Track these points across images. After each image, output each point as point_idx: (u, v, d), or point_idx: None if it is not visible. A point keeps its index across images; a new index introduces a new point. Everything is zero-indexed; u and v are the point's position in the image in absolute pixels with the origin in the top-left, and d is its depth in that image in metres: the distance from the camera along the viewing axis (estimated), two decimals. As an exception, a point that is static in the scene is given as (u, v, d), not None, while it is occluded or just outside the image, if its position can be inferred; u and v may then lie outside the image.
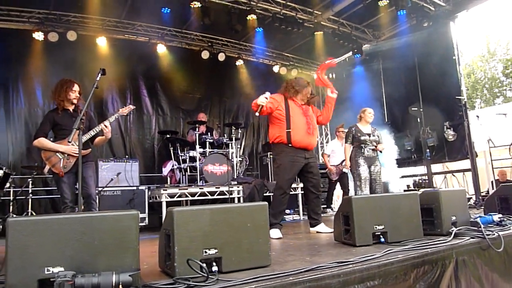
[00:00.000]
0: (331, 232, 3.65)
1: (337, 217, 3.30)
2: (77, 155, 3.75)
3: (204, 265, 2.09)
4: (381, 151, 5.62)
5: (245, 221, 2.32)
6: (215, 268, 2.16)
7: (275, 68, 10.02)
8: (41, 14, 7.15)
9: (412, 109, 7.79)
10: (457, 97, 7.35)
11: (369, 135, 5.54)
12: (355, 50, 8.70)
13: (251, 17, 7.39)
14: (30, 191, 6.38)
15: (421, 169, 8.31)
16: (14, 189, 6.44)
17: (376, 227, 3.03)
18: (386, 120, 8.91)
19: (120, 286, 1.77)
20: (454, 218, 3.38)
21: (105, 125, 4.03)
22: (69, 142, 3.81)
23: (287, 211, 7.85)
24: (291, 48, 9.92)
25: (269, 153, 8.62)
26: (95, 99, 7.86)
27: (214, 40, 9.08)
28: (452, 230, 3.15)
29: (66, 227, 1.88)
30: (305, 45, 9.36)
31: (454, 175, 8.20)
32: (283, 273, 2.04)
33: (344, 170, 6.78)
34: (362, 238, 2.98)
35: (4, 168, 4.44)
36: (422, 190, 3.96)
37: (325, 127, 10.86)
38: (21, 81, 7.04)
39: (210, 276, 1.98)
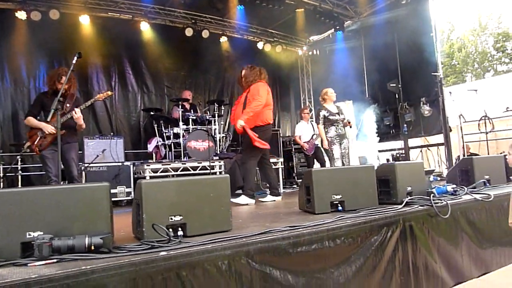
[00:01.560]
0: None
1: (300, 188, 3.60)
2: (54, 132, 4.01)
3: (170, 230, 2.39)
4: (351, 126, 5.93)
5: (208, 191, 2.60)
6: (180, 233, 2.45)
7: (259, 45, 10.11)
8: (23, -7, 7.15)
9: (391, 85, 8.02)
10: (433, 73, 7.57)
11: (338, 114, 5.80)
12: (337, 27, 8.83)
13: (232, -6, 7.48)
14: (19, 168, 6.64)
15: (399, 144, 8.64)
16: (3, 166, 6.67)
17: (334, 197, 3.33)
18: (367, 96, 9.15)
19: (92, 247, 2.05)
20: (409, 188, 3.69)
21: (75, 112, 4.22)
22: (48, 121, 4.05)
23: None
24: (275, 24, 9.98)
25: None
26: (80, 77, 7.96)
27: (198, 17, 9.11)
28: (405, 199, 3.48)
29: (44, 197, 2.14)
30: (289, 21, 9.42)
31: (429, 149, 8.55)
32: (238, 236, 2.34)
33: (316, 143, 7.13)
34: (321, 207, 3.28)
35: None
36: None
37: (295, 111, 11.20)
38: (6, 61, 7.12)
39: (172, 239, 2.27)
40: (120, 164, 6.46)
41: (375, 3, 8.41)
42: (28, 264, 1.90)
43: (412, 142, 8.48)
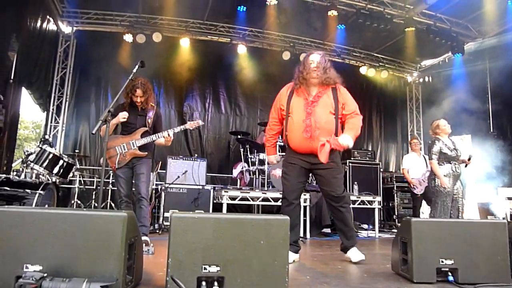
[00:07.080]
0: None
1: (395, 242, 2.71)
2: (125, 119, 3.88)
3: (203, 283, 1.79)
4: (467, 165, 4.80)
5: (259, 237, 1.93)
6: (216, 289, 1.84)
7: (363, 69, 9.28)
8: (132, 18, 7.60)
9: (522, 117, 6.48)
10: None
11: (455, 149, 4.66)
12: (455, 49, 7.57)
13: (332, 13, 6.85)
14: (110, 182, 6.81)
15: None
16: (97, 179, 6.95)
17: (442, 261, 2.38)
18: (492, 130, 7.60)
19: (89, 297, 1.55)
20: None
21: (168, 134, 3.96)
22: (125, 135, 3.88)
23: (364, 226, 7.15)
24: (381, 47, 9.08)
25: (348, 160, 7.97)
26: (176, 97, 8.16)
27: (297, 40, 8.71)
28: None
29: (50, 223, 1.74)
30: (397, 44, 8.49)
31: None
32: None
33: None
34: (423, 274, 2.37)
35: (66, 158, 4.70)
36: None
37: (401, 142, 9.94)
38: (110, 80, 7.58)
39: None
40: (200, 187, 6.18)
41: (507, 19, 6.96)
42: (7, 309, 1.48)
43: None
